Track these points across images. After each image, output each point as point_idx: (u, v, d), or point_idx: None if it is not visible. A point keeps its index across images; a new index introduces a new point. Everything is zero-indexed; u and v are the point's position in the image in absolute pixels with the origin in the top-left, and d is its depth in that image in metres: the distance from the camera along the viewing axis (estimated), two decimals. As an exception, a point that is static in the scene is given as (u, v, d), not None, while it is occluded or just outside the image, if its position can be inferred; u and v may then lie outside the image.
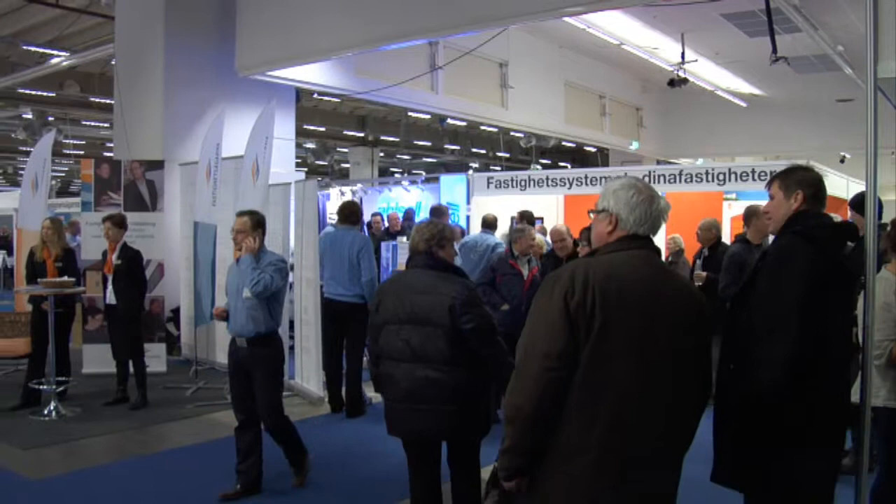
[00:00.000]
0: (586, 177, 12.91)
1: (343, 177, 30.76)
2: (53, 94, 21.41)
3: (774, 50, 11.62)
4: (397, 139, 29.23)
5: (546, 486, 2.76)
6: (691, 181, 11.09)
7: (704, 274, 8.35)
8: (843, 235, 3.51)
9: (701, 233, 8.86)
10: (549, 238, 9.06)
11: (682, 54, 15.12)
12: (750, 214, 7.25)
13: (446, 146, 32.12)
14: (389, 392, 4.50)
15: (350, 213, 8.67)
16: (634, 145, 20.99)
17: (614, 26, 14.00)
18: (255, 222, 5.95)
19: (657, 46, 15.36)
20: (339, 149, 31.38)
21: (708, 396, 2.96)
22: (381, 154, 32.23)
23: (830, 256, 3.30)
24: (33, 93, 21.27)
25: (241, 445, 5.96)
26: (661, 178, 11.23)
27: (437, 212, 10.75)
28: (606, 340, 2.65)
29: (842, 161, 20.10)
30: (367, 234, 10.71)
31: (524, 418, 2.71)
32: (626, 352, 2.67)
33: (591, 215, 3.07)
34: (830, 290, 3.27)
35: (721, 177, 10.92)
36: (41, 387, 8.43)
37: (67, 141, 23.79)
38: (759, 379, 3.19)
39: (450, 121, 22.06)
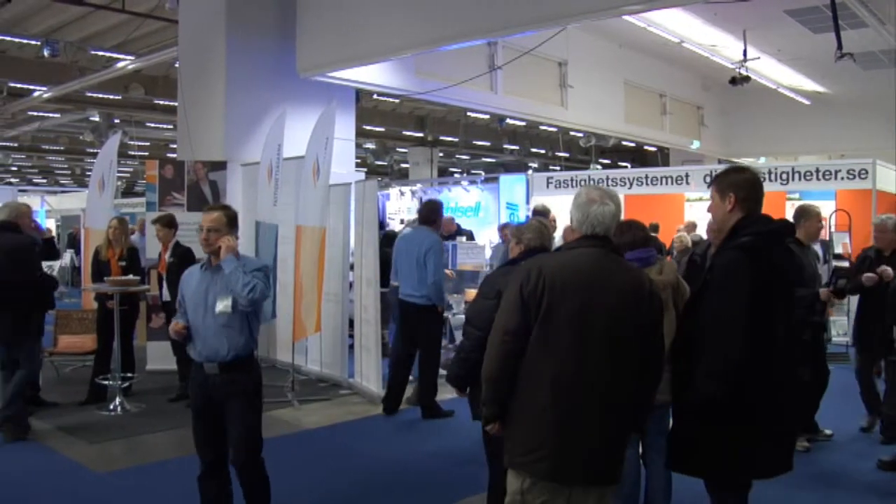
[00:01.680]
0: (647, 176, 12.86)
1: (402, 177, 30.89)
2: (119, 97, 21.84)
3: (839, 46, 11.40)
4: (456, 139, 29.27)
5: (513, 431, 3.49)
6: (753, 181, 10.89)
7: None
8: (778, 237, 3.85)
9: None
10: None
11: (744, 52, 14.92)
12: (799, 215, 7.15)
13: (505, 146, 32.06)
14: None
15: (427, 212, 8.59)
16: (695, 144, 20.75)
17: (675, 24, 13.86)
18: (230, 218, 4.90)
19: (718, 44, 15.17)
20: (398, 149, 31.51)
21: (660, 366, 3.56)
22: (441, 154, 32.27)
23: (770, 263, 3.66)
24: (100, 96, 21.71)
25: (209, 496, 4.90)
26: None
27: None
28: (550, 321, 3.32)
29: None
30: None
31: (490, 378, 3.51)
32: (565, 329, 3.31)
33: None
34: (773, 296, 3.64)
35: (784, 176, 10.78)
36: (107, 383, 8.61)
37: (132, 142, 24.24)
38: (703, 389, 3.62)
39: (509, 120, 22.07)
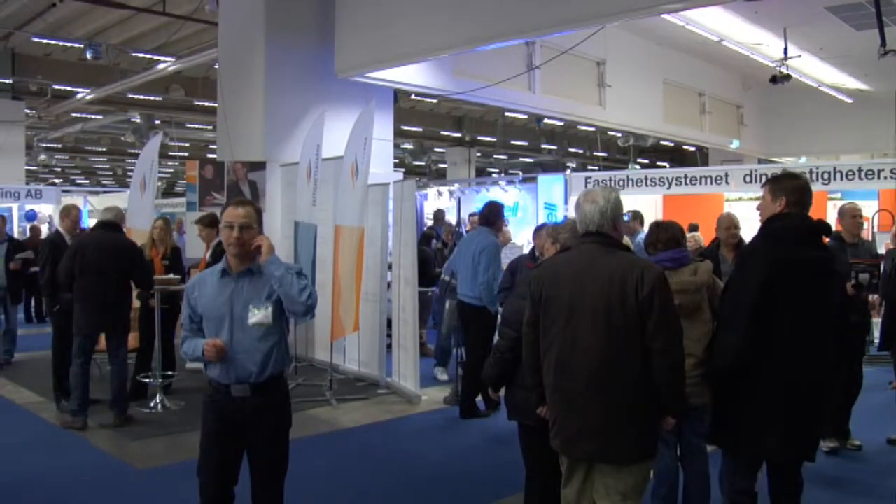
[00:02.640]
0: (686, 176, 12.73)
1: (440, 177, 30.96)
2: (160, 99, 22.14)
3: (883, 42, 11.23)
4: (494, 139, 29.28)
5: (549, 412, 3.91)
6: (794, 180, 10.77)
7: None
8: (803, 234, 4.07)
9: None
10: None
11: (785, 50, 14.75)
12: (841, 214, 7.09)
13: (543, 146, 31.98)
14: None
15: (488, 213, 8.63)
16: (735, 144, 20.55)
17: (714, 22, 13.73)
18: (259, 214, 4.27)
19: (759, 42, 15.00)
20: (436, 149, 31.56)
21: (670, 346, 3.65)
22: (478, 154, 32.29)
23: (786, 252, 3.99)
24: (141, 97, 22.01)
25: None
26: (763, 178, 10.97)
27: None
28: (547, 312, 3.79)
29: (954, 158, 19.33)
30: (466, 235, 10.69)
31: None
32: (558, 318, 3.73)
33: None
34: (785, 287, 3.93)
35: (825, 175, 10.63)
36: (148, 381, 8.72)
37: (173, 143, 24.50)
38: (714, 362, 4.20)
39: (547, 120, 21.98)
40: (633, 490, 3.72)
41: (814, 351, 3.97)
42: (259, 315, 4.04)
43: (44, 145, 26.59)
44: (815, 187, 10.56)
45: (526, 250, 12.02)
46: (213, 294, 4.10)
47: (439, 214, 15.08)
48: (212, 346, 3.97)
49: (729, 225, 7.30)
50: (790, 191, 4.11)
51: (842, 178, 10.38)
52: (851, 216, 7.17)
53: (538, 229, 7.04)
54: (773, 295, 3.92)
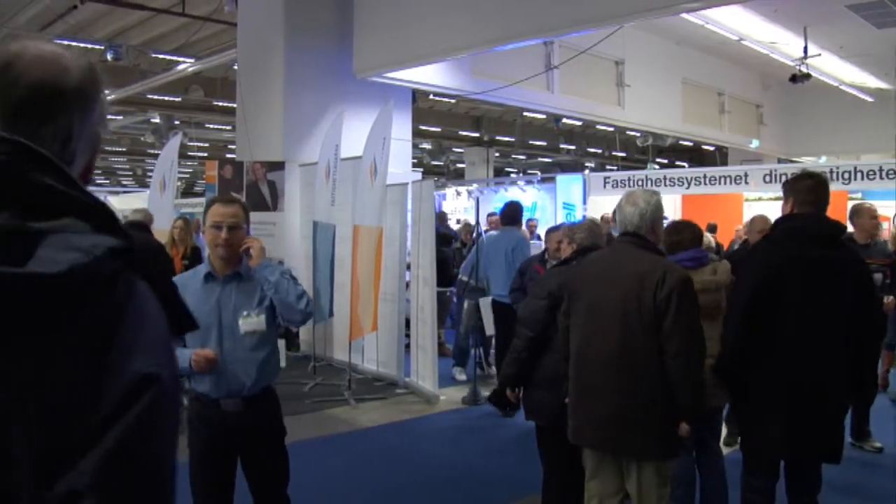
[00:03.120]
0: (705, 176, 12.72)
1: (458, 177, 30.91)
2: (179, 99, 22.20)
3: (904, 40, 11.17)
4: (512, 139, 29.22)
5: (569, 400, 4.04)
6: (814, 180, 10.70)
7: None
8: (812, 234, 4.03)
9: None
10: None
11: (805, 48, 14.68)
12: (852, 214, 7.05)
13: (561, 146, 31.91)
14: None
15: (510, 212, 8.67)
16: (754, 143, 20.46)
17: (733, 21, 13.68)
18: (247, 212, 3.88)
19: (778, 41, 14.94)
20: (454, 149, 31.55)
21: (686, 346, 3.69)
22: (497, 154, 32.26)
23: (787, 252, 4.00)
24: (160, 98, 22.08)
25: None
26: (782, 178, 10.91)
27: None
28: (574, 305, 4.00)
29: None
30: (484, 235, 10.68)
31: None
32: (583, 312, 3.92)
33: None
34: (788, 279, 3.95)
35: (846, 175, 10.58)
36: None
37: (192, 143, 24.60)
38: (719, 354, 4.24)
39: (565, 120, 21.94)
40: (650, 487, 3.76)
41: (819, 351, 3.95)
42: (252, 322, 3.72)
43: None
44: (836, 187, 10.56)
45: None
46: (197, 300, 3.66)
47: (442, 216, 14.98)
48: (202, 356, 3.59)
49: (763, 228, 7.26)
50: (797, 191, 4.14)
51: (862, 178, 10.33)
52: (870, 216, 7.11)
53: (550, 231, 7.10)
54: (773, 295, 3.97)
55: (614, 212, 4.88)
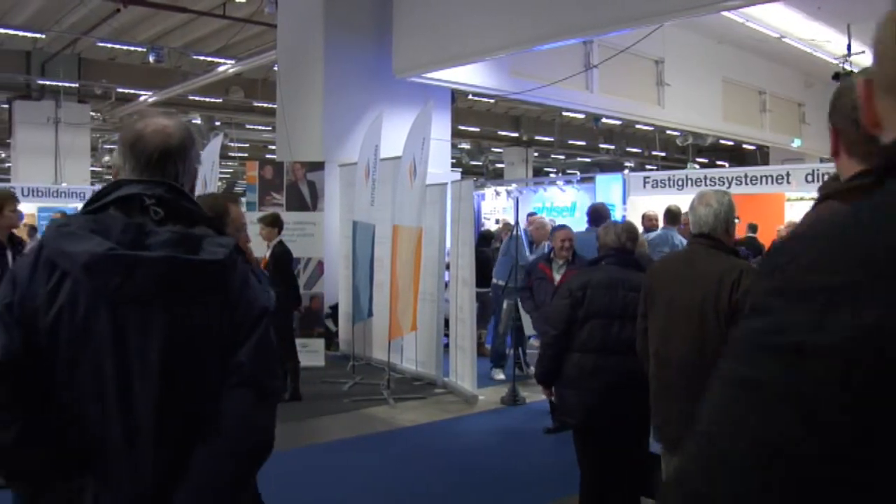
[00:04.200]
0: (746, 175, 12.57)
1: (497, 177, 30.89)
2: (220, 100, 22.42)
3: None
4: (552, 139, 29.15)
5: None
6: (858, 179, 10.56)
7: None
8: None
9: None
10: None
11: (849, 46, 14.47)
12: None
13: (601, 145, 31.76)
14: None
15: (594, 212, 8.66)
16: (796, 143, 20.22)
17: (775, 19, 13.55)
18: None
19: (821, 39, 14.76)
20: (493, 149, 31.51)
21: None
22: (536, 154, 32.16)
23: None
24: (202, 99, 22.32)
25: None
26: (825, 177, 10.77)
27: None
28: (651, 307, 4.02)
29: None
30: (525, 237, 10.64)
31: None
32: (660, 306, 3.96)
33: None
34: None
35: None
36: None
37: (232, 144, 24.80)
38: None
39: (604, 120, 21.85)
40: None
41: None
42: None
43: (108, 147, 27.11)
44: (880, 186, 10.45)
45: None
46: None
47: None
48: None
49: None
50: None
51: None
52: None
53: (556, 230, 7.17)
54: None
55: (686, 213, 5.06)
